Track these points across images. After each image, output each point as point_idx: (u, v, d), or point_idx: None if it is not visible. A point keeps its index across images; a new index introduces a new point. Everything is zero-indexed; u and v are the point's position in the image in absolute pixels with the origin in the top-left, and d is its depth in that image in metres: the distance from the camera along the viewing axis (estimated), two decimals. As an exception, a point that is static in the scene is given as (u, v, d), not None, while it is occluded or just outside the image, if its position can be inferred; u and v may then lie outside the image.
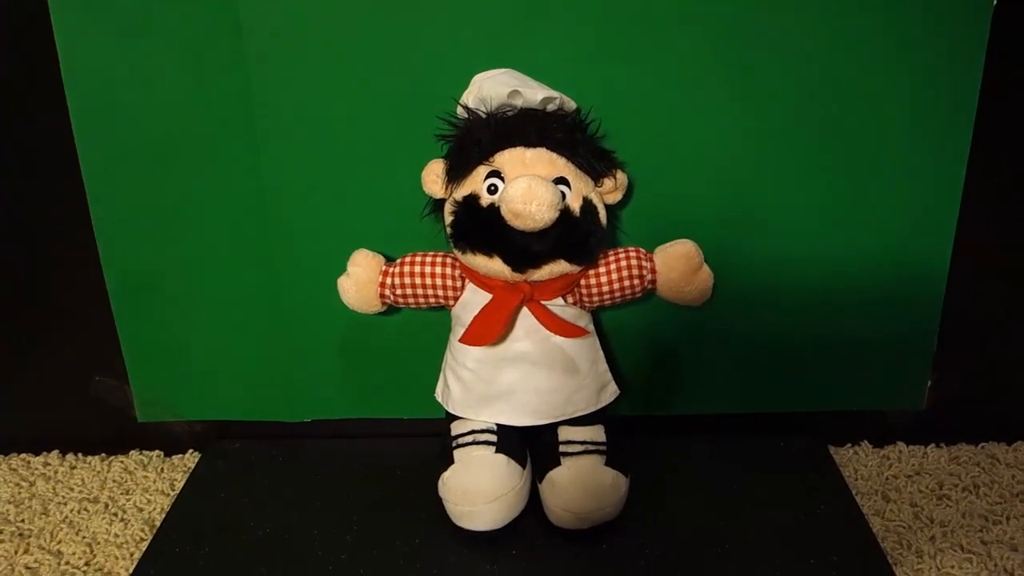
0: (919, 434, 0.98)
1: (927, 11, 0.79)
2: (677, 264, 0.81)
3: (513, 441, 0.81)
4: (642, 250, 0.82)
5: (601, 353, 0.85)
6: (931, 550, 0.82)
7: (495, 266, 0.75)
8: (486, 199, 0.75)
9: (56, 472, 0.97)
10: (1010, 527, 0.85)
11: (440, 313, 0.86)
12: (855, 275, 0.89)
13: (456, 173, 0.77)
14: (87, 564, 0.83)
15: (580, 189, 0.76)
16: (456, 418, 0.84)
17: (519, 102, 0.77)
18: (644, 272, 0.81)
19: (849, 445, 0.98)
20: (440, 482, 0.80)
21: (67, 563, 0.83)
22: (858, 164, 0.84)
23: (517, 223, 0.71)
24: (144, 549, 0.81)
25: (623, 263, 0.81)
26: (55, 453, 1.00)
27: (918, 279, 0.89)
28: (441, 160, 0.79)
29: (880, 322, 0.91)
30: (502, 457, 0.79)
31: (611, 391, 0.85)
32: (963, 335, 0.93)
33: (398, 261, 0.83)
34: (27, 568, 0.82)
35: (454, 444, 0.82)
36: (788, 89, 0.82)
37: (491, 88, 0.77)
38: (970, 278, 0.90)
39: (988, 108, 0.83)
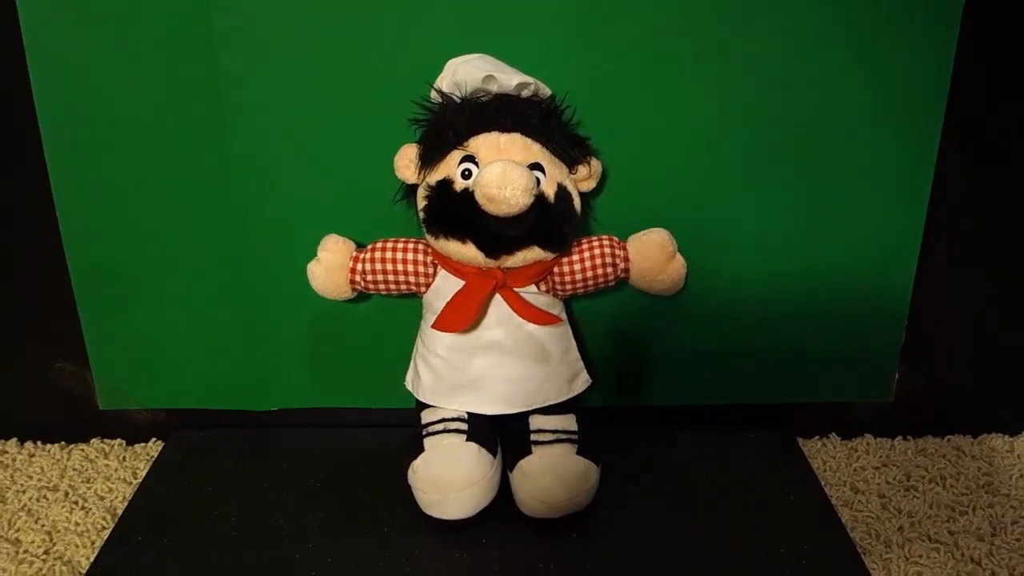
0: (887, 426, 0.99)
1: (897, 19, 0.80)
2: (650, 253, 0.81)
3: (484, 429, 0.81)
4: (615, 238, 0.82)
5: (573, 342, 0.84)
6: (899, 540, 0.82)
7: (468, 252, 0.75)
8: (460, 184, 0.74)
9: (15, 460, 0.95)
10: (976, 518, 0.85)
11: (411, 300, 0.85)
12: (825, 268, 0.89)
13: (429, 158, 0.76)
14: (46, 552, 0.81)
15: (555, 175, 0.75)
16: (426, 406, 0.83)
17: (494, 87, 0.76)
18: (617, 260, 0.81)
19: (818, 437, 0.99)
20: (410, 471, 0.79)
21: (26, 551, 0.81)
22: (830, 159, 0.85)
23: (491, 208, 0.71)
24: (105, 538, 0.80)
25: (596, 251, 0.81)
26: (13, 441, 0.98)
27: (887, 273, 0.90)
28: (414, 145, 0.78)
29: (849, 315, 0.91)
30: (473, 446, 0.79)
31: (583, 380, 0.85)
32: (930, 329, 0.94)
33: (369, 247, 0.82)
34: (-16, 557, 0.80)
35: (424, 432, 0.81)
36: (763, 84, 0.82)
37: (466, 73, 0.76)
38: (938, 273, 0.91)
39: (956, 111, 0.84)
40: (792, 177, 0.85)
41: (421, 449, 0.79)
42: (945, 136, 0.85)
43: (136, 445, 0.98)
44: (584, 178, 0.79)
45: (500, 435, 0.82)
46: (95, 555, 0.77)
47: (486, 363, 0.80)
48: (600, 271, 0.81)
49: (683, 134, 0.83)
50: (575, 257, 0.80)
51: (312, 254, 0.82)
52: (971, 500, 0.88)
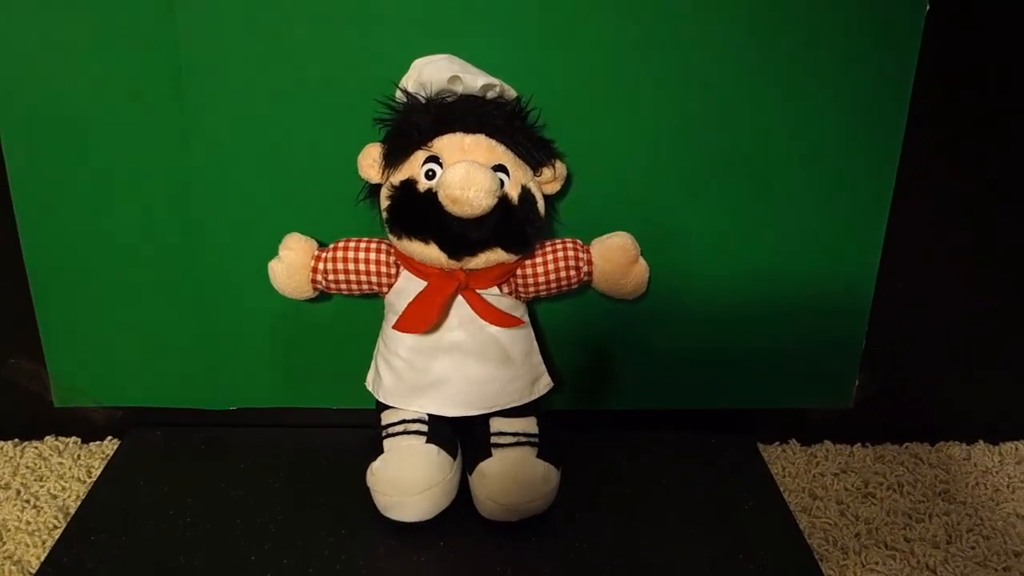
0: (846, 433, 0.99)
1: (861, 16, 0.80)
2: (613, 256, 0.81)
3: (444, 431, 0.80)
4: (579, 241, 0.82)
5: (535, 344, 0.84)
6: (856, 547, 0.83)
7: (431, 253, 0.74)
8: (423, 184, 0.73)
9: (-35, 457, 0.93)
10: (932, 525, 0.86)
11: (372, 300, 0.84)
12: (786, 275, 0.90)
13: (393, 157, 0.76)
14: (-5, 552, 0.80)
15: (519, 177, 0.75)
16: (386, 407, 0.82)
17: (459, 88, 0.76)
18: (580, 263, 0.81)
19: (777, 443, 0.99)
20: (369, 472, 0.79)
21: (-26, 551, 0.80)
22: (793, 165, 0.85)
23: (455, 209, 0.70)
24: (57, 537, 0.78)
25: (560, 254, 0.81)
26: (-36, 438, 0.96)
27: (847, 281, 0.91)
28: (378, 144, 0.77)
29: (810, 322, 0.92)
30: (432, 447, 0.78)
31: (544, 383, 0.85)
32: (890, 337, 0.94)
33: (331, 246, 0.81)
34: (-69, 556, 0.79)
35: (384, 434, 0.80)
36: (727, 89, 0.82)
37: (431, 73, 0.76)
38: (898, 281, 0.92)
39: (919, 119, 0.84)
40: (755, 184, 0.86)
41: (380, 451, 0.79)
42: (907, 144, 0.85)
43: (91, 443, 0.96)
44: (548, 180, 0.79)
45: (460, 437, 0.82)
46: (46, 555, 0.76)
47: (447, 365, 0.80)
48: (563, 274, 0.81)
49: (647, 138, 0.83)
50: (538, 260, 0.80)
51: (273, 252, 0.81)
52: (928, 507, 0.89)
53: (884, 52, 0.82)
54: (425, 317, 0.77)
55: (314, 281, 0.81)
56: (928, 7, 0.80)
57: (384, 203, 0.76)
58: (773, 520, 0.82)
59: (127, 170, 0.83)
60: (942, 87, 0.85)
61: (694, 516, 0.82)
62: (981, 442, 1.01)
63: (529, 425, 0.82)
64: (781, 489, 0.87)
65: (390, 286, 0.80)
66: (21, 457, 0.93)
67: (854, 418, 0.98)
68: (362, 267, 0.80)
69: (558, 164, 0.79)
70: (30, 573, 0.76)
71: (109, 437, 0.97)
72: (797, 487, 0.91)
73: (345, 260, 0.80)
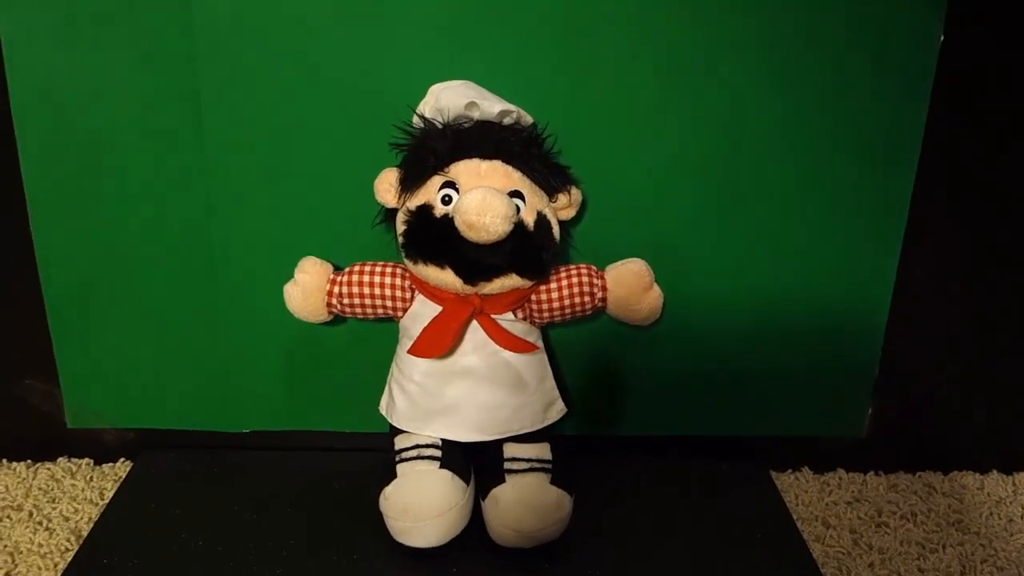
0: (859, 461, 0.99)
1: (874, 47, 0.81)
2: (628, 282, 0.81)
3: (457, 457, 0.80)
4: (594, 267, 0.82)
5: (549, 370, 0.84)
6: (870, 576, 0.82)
7: (446, 278, 0.74)
8: (440, 209, 0.74)
9: (-22, 478, 0.93)
10: (946, 555, 0.86)
11: (387, 325, 0.84)
12: (800, 302, 0.90)
13: (410, 182, 0.76)
14: (7, 574, 0.79)
15: (534, 203, 0.75)
16: (400, 432, 0.82)
17: (476, 114, 0.76)
18: (595, 289, 0.81)
19: (790, 470, 0.99)
20: (382, 497, 0.78)
21: (-14, 572, 0.80)
22: (807, 192, 0.85)
23: (471, 235, 0.71)
24: (69, 560, 0.78)
25: (574, 280, 0.81)
26: (-22, 458, 0.96)
27: (861, 308, 0.91)
28: (395, 169, 0.78)
29: (823, 350, 0.92)
30: (446, 473, 0.78)
31: (558, 409, 0.85)
32: (903, 365, 0.94)
33: (347, 270, 0.81)
34: (-57, 577, 0.79)
35: (397, 458, 0.80)
36: (741, 115, 0.83)
37: (448, 99, 0.76)
38: (911, 309, 0.91)
39: (933, 144, 0.85)
40: (770, 211, 0.86)
41: (394, 475, 0.79)
42: (921, 171, 0.85)
43: (104, 465, 0.96)
44: (564, 207, 0.79)
45: (474, 463, 0.82)
46: (58, 577, 0.76)
47: (461, 390, 0.80)
48: (578, 300, 0.81)
49: (662, 165, 0.84)
50: (553, 285, 0.80)
51: (289, 275, 0.82)
52: (941, 538, 0.88)
53: (898, 79, 0.82)
54: (440, 342, 0.77)
55: (329, 305, 0.81)
56: (942, 39, 0.81)
57: (400, 228, 0.76)
58: (786, 549, 0.82)
59: (145, 193, 0.84)
60: (957, 115, 0.85)
61: (706, 544, 0.82)
62: (995, 472, 1.01)
63: (543, 451, 0.82)
64: (794, 517, 0.87)
65: (405, 310, 0.81)
66: (34, 478, 0.93)
67: (867, 446, 0.97)
68: (377, 291, 0.80)
69: (574, 190, 0.79)
70: (42, 595, 0.77)
71: (122, 459, 0.97)
72: (810, 515, 0.91)
73: (360, 284, 0.80)
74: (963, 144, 0.87)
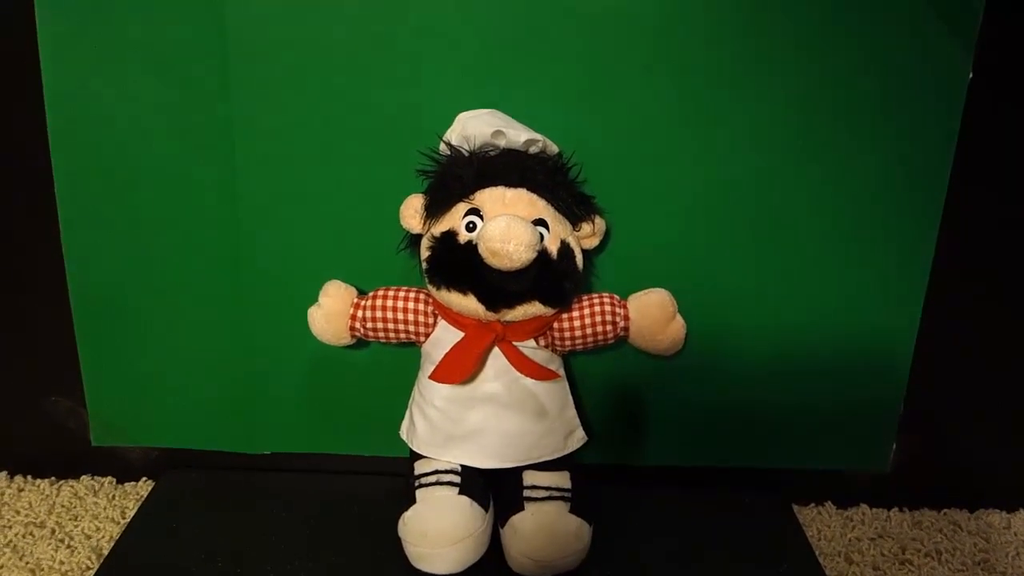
0: (883, 496, 0.98)
1: (902, 78, 0.81)
2: (650, 312, 0.81)
3: (477, 483, 0.80)
4: (616, 297, 0.82)
5: (570, 398, 0.84)
6: (892, 614, 0.81)
7: (469, 304, 0.75)
8: (464, 236, 0.74)
9: (3, 494, 0.94)
10: (971, 595, 0.85)
11: (409, 349, 0.85)
12: (824, 334, 0.89)
13: (435, 209, 0.76)
14: (29, 591, 0.80)
15: (558, 232, 0.76)
16: (420, 457, 0.82)
17: (502, 142, 0.77)
18: (617, 319, 0.81)
19: (813, 504, 0.98)
20: (400, 522, 0.78)
21: (8, 589, 0.80)
22: (832, 225, 0.85)
23: (494, 262, 0.71)
24: (90, 577, 0.79)
25: (597, 308, 0.81)
26: (4, 474, 0.97)
27: (886, 342, 0.90)
28: (420, 195, 0.78)
29: (848, 383, 0.91)
30: (465, 499, 0.78)
31: (578, 437, 0.84)
32: (928, 400, 0.93)
33: (370, 294, 0.82)
34: (-35, 592, 0.80)
35: (417, 484, 0.80)
36: (766, 147, 0.83)
37: (475, 127, 0.77)
38: (938, 345, 0.90)
39: (961, 180, 0.84)
40: (793, 243, 0.86)
41: (413, 500, 0.79)
42: (948, 204, 0.85)
43: (126, 484, 0.97)
44: (588, 235, 0.79)
45: (493, 490, 0.82)
46: (78, 595, 0.76)
47: (482, 416, 0.80)
48: (600, 328, 0.81)
49: (686, 196, 0.84)
50: (575, 313, 0.80)
51: (313, 299, 0.82)
52: (966, 576, 0.87)
53: (925, 114, 0.82)
54: (461, 368, 0.77)
55: (352, 328, 0.82)
56: (970, 76, 0.81)
57: (424, 253, 0.77)
58: (808, 584, 0.81)
59: (175, 215, 0.85)
60: (986, 147, 0.85)
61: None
62: (1022, 511, 0.99)
63: (562, 479, 0.81)
64: (816, 552, 0.85)
65: (427, 335, 0.81)
66: (58, 496, 0.94)
67: (891, 481, 0.96)
68: (400, 316, 0.81)
69: (597, 220, 0.80)
70: (62, 612, 0.77)
71: (144, 478, 0.97)
72: (832, 551, 0.90)
73: (384, 308, 0.81)
74: (993, 179, 0.87)
